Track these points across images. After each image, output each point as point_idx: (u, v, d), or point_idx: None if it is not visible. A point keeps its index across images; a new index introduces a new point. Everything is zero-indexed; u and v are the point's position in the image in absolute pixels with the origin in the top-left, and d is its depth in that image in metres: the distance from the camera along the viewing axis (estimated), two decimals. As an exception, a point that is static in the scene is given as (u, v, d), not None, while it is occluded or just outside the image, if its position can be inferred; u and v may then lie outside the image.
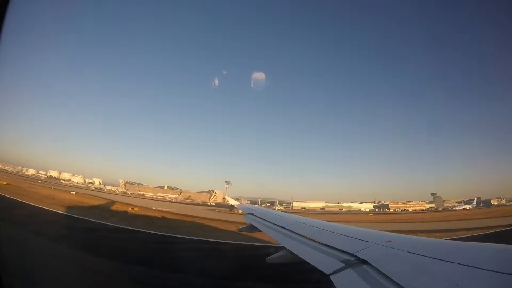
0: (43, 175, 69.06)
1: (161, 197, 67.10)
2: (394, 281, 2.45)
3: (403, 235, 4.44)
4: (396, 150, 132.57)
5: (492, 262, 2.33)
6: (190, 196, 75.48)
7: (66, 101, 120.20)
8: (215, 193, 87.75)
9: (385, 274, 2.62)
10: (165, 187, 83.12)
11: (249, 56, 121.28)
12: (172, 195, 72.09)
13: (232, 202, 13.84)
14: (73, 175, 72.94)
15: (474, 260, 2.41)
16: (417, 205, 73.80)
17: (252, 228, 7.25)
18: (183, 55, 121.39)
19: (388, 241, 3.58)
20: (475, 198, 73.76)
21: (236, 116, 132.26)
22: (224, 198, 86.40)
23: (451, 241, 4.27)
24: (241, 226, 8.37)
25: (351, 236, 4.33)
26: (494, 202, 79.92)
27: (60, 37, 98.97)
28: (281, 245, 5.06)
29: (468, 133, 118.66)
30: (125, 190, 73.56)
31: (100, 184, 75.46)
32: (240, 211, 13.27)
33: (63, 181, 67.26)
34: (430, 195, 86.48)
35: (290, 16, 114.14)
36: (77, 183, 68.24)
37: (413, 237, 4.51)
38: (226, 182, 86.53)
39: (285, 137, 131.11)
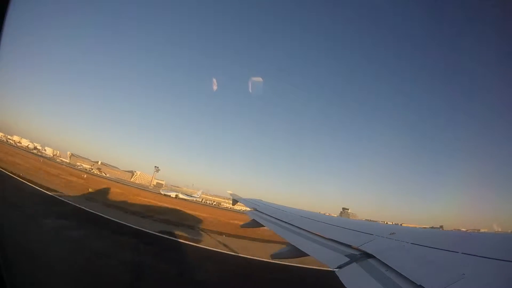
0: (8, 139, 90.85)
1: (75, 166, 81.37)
2: (400, 273, 2.45)
3: (406, 227, 4.20)
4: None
5: (497, 251, 2.32)
6: (100, 169, 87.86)
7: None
8: (137, 173, 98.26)
9: (390, 266, 2.64)
10: (99, 163, 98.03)
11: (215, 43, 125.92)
12: (86, 166, 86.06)
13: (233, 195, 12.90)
14: (31, 142, 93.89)
15: (479, 249, 2.41)
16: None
17: (255, 224, 7.29)
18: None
19: (391, 233, 3.60)
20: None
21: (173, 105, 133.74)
22: (153, 180, 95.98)
23: (454, 231, 3.86)
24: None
25: (355, 229, 4.40)
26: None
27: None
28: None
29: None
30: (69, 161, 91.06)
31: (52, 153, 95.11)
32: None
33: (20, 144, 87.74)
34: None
35: (290, 17, 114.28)
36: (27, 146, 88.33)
37: (416, 228, 4.92)
38: (155, 167, 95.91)
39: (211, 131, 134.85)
